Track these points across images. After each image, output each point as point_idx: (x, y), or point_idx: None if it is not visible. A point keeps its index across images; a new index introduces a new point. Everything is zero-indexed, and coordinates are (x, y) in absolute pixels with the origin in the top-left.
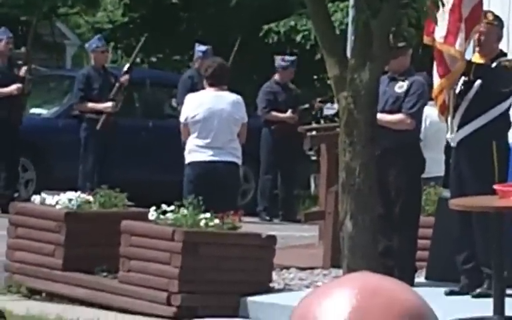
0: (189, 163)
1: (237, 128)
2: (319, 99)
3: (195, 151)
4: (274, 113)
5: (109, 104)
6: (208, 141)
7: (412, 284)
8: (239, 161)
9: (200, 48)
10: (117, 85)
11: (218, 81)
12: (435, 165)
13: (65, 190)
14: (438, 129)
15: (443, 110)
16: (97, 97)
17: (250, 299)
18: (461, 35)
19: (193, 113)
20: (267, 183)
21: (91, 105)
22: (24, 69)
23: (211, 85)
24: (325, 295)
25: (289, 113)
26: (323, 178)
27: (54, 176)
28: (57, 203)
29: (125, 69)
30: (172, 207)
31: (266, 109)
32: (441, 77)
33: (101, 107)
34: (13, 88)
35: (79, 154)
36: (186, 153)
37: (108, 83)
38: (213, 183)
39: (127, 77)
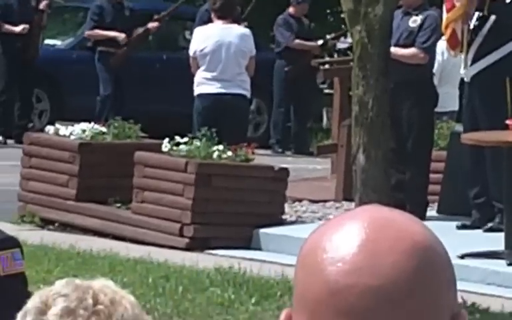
0: (197, 95)
1: (245, 61)
2: (331, 36)
3: (203, 84)
4: (298, 41)
5: (121, 35)
6: (216, 73)
7: (423, 218)
8: (248, 94)
9: None
10: (144, 28)
11: (226, 13)
12: (450, 100)
13: (78, 121)
14: (454, 63)
15: (453, 44)
16: (109, 30)
17: (262, 230)
18: None
19: (201, 46)
20: (280, 116)
21: (101, 32)
22: (45, 2)
23: (219, 18)
24: (335, 228)
25: (312, 43)
26: (335, 111)
27: (68, 107)
28: (70, 133)
29: (158, 16)
30: (185, 139)
31: (291, 36)
32: (448, 11)
33: (112, 35)
34: (20, 28)
35: (92, 85)
36: (195, 85)
37: (122, 17)
38: (221, 115)
39: (156, 24)
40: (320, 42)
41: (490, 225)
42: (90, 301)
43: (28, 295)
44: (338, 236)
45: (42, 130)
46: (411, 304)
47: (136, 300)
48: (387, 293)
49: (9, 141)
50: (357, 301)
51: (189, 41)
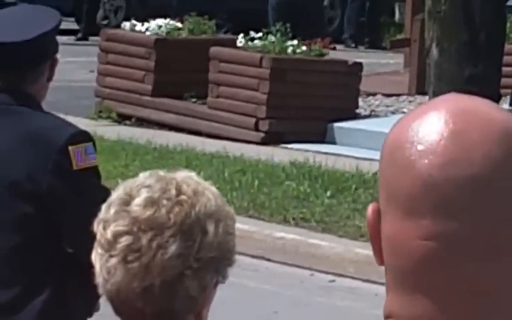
0: None
1: None
2: None
3: None
4: None
5: None
6: None
7: None
8: None
9: None
10: None
11: None
12: None
13: (153, 17)
14: None
15: None
16: None
17: (336, 124)
18: None
19: None
20: (354, 11)
21: None
22: None
23: None
24: (420, 120)
25: None
26: (408, 6)
27: (143, 3)
28: (146, 29)
29: None
30: (260, 34)
31: None
32: None
33: None
34: None
35: None
36: None
37: None
38: (296, 10)
39: None
40: None
41: None
42: (173, 192)
43: (102, 189)
44: (425, 128)
45: (118, 26)
46: (503, 190)
47: (218, 191)
48: (482, 182)
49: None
50: (452, 193)
51: None
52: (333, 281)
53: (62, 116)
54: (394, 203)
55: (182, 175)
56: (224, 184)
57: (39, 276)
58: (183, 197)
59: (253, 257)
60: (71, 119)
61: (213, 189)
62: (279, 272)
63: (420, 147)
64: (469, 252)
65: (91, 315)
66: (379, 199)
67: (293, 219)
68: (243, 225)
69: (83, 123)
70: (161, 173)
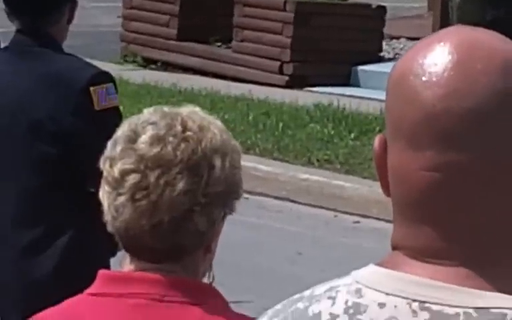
0: None
1: None
2: None
3: None
4: None
5: None
6: None
7: None
8: None
9: None
10: None
11: None
12: None
13: None
14: None
15: None
16: None
17: (361, 67)
18: None
19: None
20: None
21: None
22: None
23: None
24: (424, 52)
25: None
26: None
27: None
28: None
29: None
30: None
31: None
32: None
33: None
34: None
35: None
36: None
37: None
38: None
39: None
40: None
41: None
42: (179, 128)
43: None
44: (429, 60)
45: None
46: (506, 121)
47: (223, 124)
48: (484, 113)
49: None
50: (455, 123)
51: None
52: (357, 222)
53: (87, 60)
54: (398, 134)
55: (187, 110)
56: (248, 127)
57: (61, 216)
58: (189, 133)
59: (277, 198)
60: (96, 63)
61: (218, 123)
62: (303, 213)
63: (424, 78)
64: (470, 183)
65: (114, 255)
66: (386, 131)
67: (317, 160)
68: (267, 166)
69: (108, 67)
70: (166, 108)
